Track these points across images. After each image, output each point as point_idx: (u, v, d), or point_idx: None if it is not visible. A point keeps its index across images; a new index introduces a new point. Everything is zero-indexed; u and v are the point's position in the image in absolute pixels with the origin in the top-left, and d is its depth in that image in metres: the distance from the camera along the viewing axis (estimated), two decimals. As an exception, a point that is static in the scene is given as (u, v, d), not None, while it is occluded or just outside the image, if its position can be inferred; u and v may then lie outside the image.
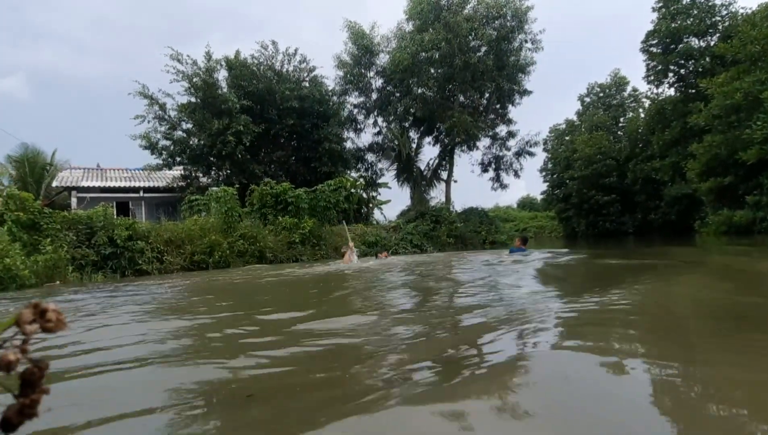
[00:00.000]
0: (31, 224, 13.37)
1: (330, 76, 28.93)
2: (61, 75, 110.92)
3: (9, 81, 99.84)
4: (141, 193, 25.30)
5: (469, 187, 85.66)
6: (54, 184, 24.14)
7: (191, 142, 23.69)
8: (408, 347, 3.17)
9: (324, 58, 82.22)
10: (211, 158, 23.30)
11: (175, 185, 24.32)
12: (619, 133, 39.69)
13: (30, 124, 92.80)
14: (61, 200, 23.61)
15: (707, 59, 26.42)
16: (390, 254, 18.73)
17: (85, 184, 24.37)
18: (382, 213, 27.84)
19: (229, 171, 23.78)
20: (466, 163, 53.04)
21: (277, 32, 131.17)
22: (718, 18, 26.99)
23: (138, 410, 2.14)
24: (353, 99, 31.15)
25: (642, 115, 36.22)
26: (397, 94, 30.54)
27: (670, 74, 29.14)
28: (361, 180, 27.56)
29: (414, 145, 32.45)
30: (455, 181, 31.94)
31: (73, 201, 23.14)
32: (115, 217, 15.89)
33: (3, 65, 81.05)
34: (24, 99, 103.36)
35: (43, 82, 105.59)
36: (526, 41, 29.01)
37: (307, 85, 26.09)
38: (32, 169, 24.46)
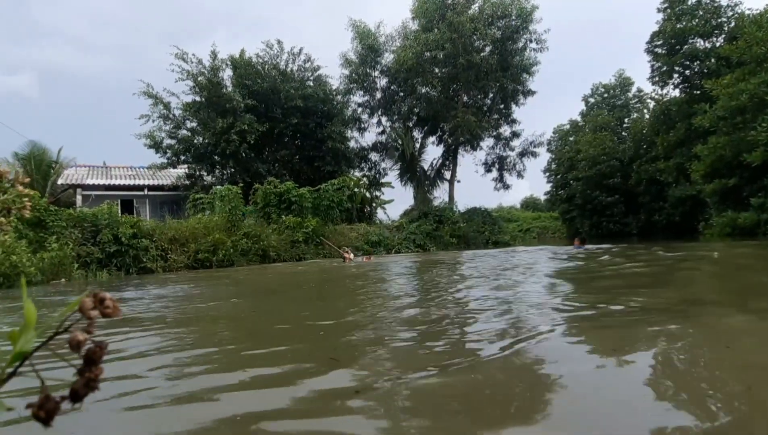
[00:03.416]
0: (36, 222, 13.48)
1: (334, 75, 29.02)
2: (67, 73, 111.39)
3: (18, 79, 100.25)
4: (146, 192, 25.41)
5: (472, 187, 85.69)
6: (59, 181, 24.28)
7: (196, 141, 23.81)
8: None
9: (328, 57, 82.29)
10: (216, 157, 23.40)
11: (179, 184, 24.44)
12: (623, 133, 39.55)
13: (37, 122, 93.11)
14: (66, 198, 23.75)
15: (712, 60, 26.27)
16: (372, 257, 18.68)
17: (90, 181, 24.49)
18: (385, 212, 27.91)
19: (233, 170, 23.88)
20: (469, 163, 53.05)
21: (280, 31, 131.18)
22: (724, 19, 26.85)
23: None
24: (357, 98, 31.27)
25: (646, 116, 36.09)
26: (401, 94, 30.59)
27: (675, 75, 29.01)
28: (365, 179, 27.61)
29: (417, 145, 32.49)
30: (458, 181, 32.02)
31: (78, 199, 23.27)
32: (120, 215, 16.00)
33: (11, 63, 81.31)
34: (32, 96, 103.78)
35: (50, 80, 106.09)
36: (530, 41, 29.03)
37: (312, 84, 26.16)
38: (38, 167, 24.63)
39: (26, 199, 1.15)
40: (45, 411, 0.50)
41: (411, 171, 32.01)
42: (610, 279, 8.24)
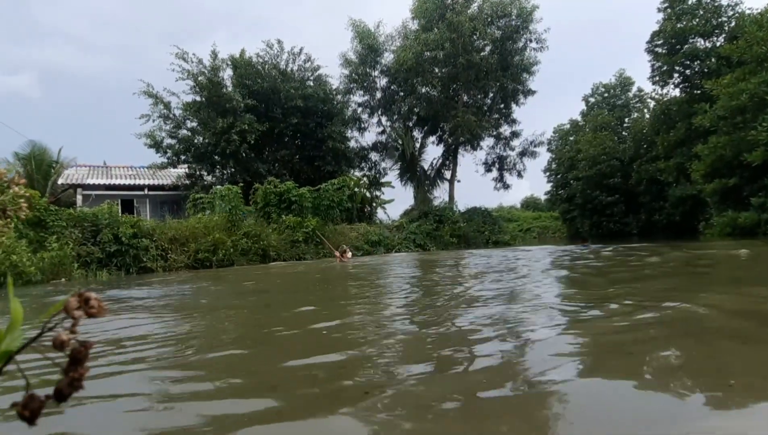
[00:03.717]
0: (37, 221, 13.50)
1: (334, 75, 29.04)
2: (67, 73, 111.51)
3: (19, 78, 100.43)
4: (146, 191, 25.43)
5: (472, 187, 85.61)
6: (60, 181, 24.30)
7: (196, 141, 23.83)
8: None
9: (328, 57, 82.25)
10: (216, 157, 23.42)
11: (179, 183, 24.46)
12: (623, 133, 39.52)
13: (37, 122, 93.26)
14: (66, 197, 23.77)
15: (713, 60, 26.25)
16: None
17: (90, 181, 24.51)
18: (385, 212, 27.93)
19: (233, 169, 23.89)
20: (469, 162, 53.21)
21: (280, 31, 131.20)
22: (725, 18, 26.81)
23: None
24: (357, 98, 31.31)
25: (647, 116, 36.05)
26: (402, 94, 30.59)
27: (676, 75, 28.98)
28: (365, 179, 27.63)
29: (418, 145, 32.50)
30: (458, 181, 32.04)
31: (79, 198, 23.29)
32: (120, 214, 16.02)
33: (12, 63, 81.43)
34: (33, 96, 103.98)
35: (51, 80, 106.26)
36: (530, 41, 29.04)
37: (312, 84, 26.19)
38: (39, 167, 24.65)
39: (22, 200, 1.16)
40: (29, 410, 0.50)
41: (411, 171, 32.02)
42: (666, 278, 7.65)
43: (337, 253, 16.87)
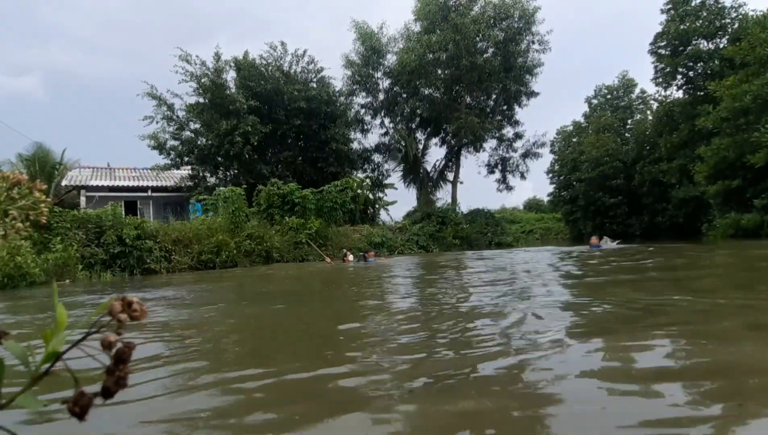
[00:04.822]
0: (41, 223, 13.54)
1: (337, 76, 29.09)
2: (72, 75, 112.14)
3: (24, 81, 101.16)
4: (149, 193, 25.50)
5: (475, 188, 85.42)
6: (63, 183, 24.37)
7: (199, 143, 23.92)
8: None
9: (331, 59, 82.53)
10: (219, 158, 23.48)
11: (182, 185, 24.54)
12: (626, 135, 39.46)
13: (42, 123, 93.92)
14: (70, 199, 23.85)
15: (716, 61, 26.24)
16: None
17: (94, 183, 24.61)
18: (388, 214, 27.98)
19: (236, 171, 23.96)
20: (472, 164, 53.28)
21: (283, 32, 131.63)
22: (728, 20, 26.79)
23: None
24: (360, 99, 31.36)
25: (650, 117, 36.04)
26: (404, 95, 30.64)
27: (679, 76, 28.94)
28: (368, 181, 27.65)
29: (420, 146, 32.54)
30: (461, 183, 32.05)
31: (82, 200, 23.38)
32: (124, 216, 16.08)
33: (17, 65, 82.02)
34: (37, 98, 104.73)
35: (55, 82, 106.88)
36: (533, 42, 29.05)
37: (315, 85, 26.22)
38: (42, 168, 24.70)
39: (43, 205, 1.19)
40: (80, 407, 0.53)
41: (414, 172, 32.06)
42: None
43: (328, 259, 17.14)
